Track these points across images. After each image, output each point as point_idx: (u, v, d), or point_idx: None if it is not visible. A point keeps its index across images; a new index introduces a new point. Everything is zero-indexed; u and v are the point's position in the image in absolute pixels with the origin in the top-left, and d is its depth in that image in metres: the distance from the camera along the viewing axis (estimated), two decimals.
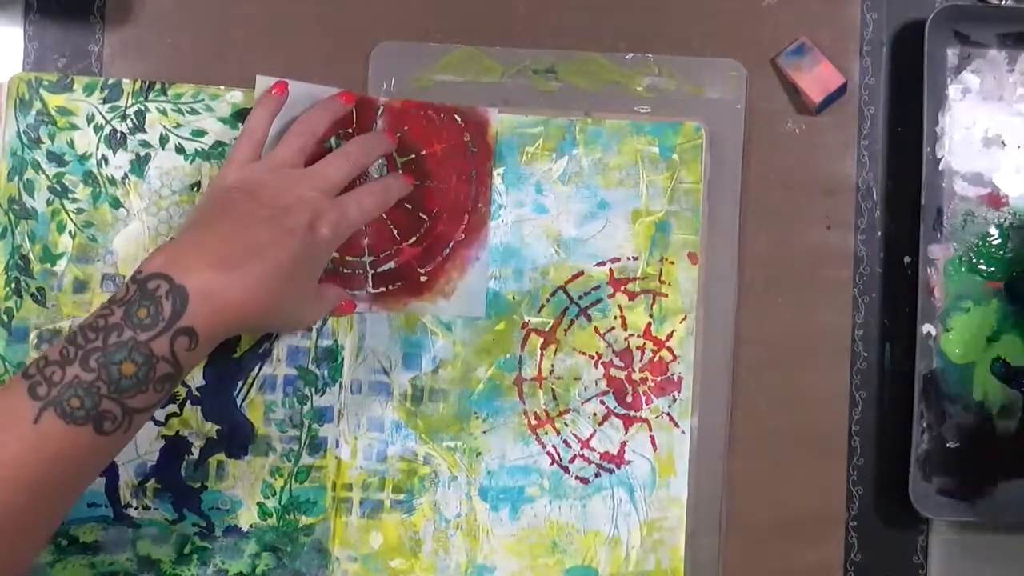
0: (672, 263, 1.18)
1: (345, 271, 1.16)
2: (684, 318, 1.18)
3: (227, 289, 0.97)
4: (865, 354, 1.21)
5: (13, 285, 1.16)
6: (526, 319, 1.18)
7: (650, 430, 1.18)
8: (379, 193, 1.11)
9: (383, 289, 1.16)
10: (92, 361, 0.93)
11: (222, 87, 1.18)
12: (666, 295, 1.18)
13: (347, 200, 1.08)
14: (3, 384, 0.99)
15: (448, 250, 1.17)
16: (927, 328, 1.19)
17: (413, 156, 1.18)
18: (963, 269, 1.20)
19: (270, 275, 1.00)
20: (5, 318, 1.16)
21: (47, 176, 1.16)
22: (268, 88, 1.13)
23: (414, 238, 1.17)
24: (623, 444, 1.18)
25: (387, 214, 1.16)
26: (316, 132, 1.11)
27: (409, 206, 1.17)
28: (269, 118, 1.11)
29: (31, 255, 1.16)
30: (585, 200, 1.18)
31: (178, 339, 0.95)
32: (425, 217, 1.17)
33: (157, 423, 1.16)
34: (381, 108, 1.17)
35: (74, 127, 1.17)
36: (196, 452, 1.16)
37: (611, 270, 1.18)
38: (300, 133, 1.10)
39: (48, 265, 1.16)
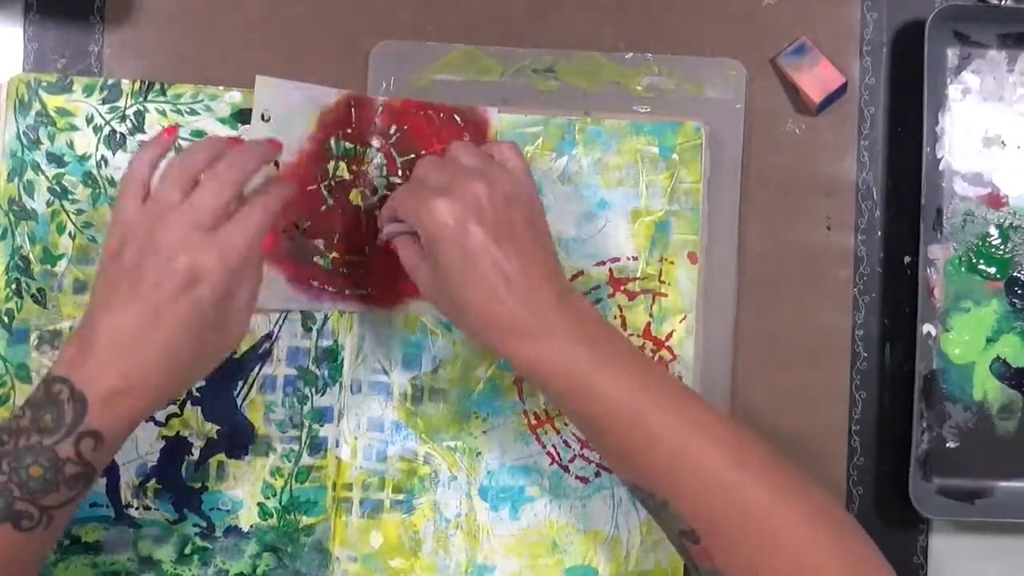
0: (672, 263, 1.18)
1: (344, 271, 1.16)
2: (684, 318, 1.18)
3: (124, 391, 0.96)
4: (865, 354, 1.21)
5: (14, 286, 1.16)
6: None
7: None
8: (259, 209, 1.02)
9: (381, 289, 1.16)
10: (3, 464, 0.94)
11: (221, 87, 1.18)
12: (666, 295, 1.18)
13: (229, 230, 1.00)
14: None
15: None
16: (927, 328, 1.19)
17: (413, 156, 1.17)
18: (963, 269, 1.20)
19: (164, 358, 0.98)
20: (6, 319, 1.16)
21: (47, 177, 1.16)
22: (155, 135, 1.11)
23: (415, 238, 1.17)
24: None
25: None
26: (196, 165, 1.03)
27: None
28: (151, 162, 1.04)
29: (31, 256, 1.16)
30: (584, 200, 1.18)
31: (83, 441, 0.95)
32: None
33: (157, 423, 1.16)
34: (380, 108, 1.17)
35: (73, 128, 1.17)
36: (196, 452, 1.16)
37: (611, 270, 1.18)
38: (178, 166, 1.02)
39: (48, 266, 1.16)
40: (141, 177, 1.02)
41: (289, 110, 1.16)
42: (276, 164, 1.15)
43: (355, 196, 1.17)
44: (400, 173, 1.17)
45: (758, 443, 0.99)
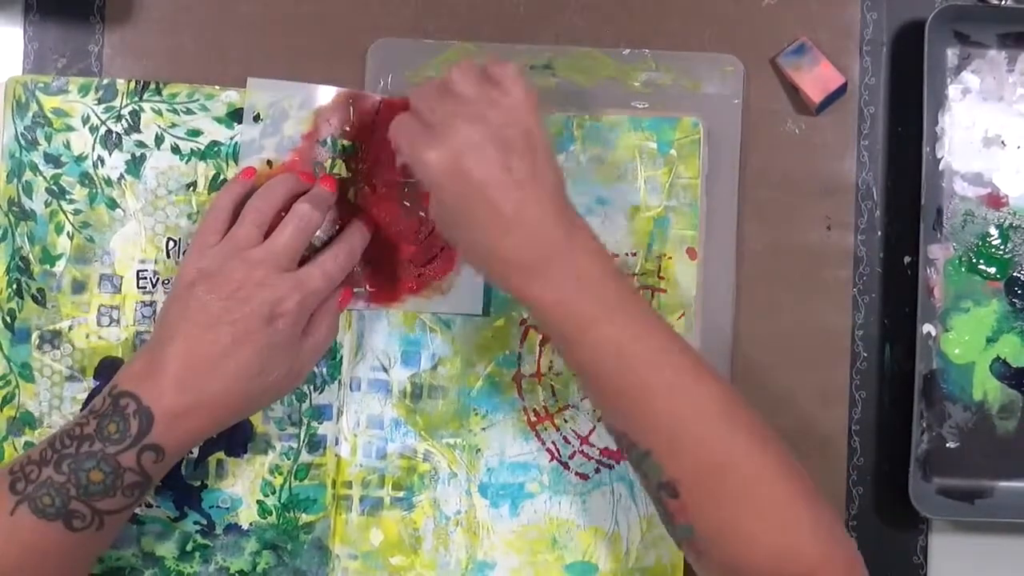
0: (670, 259, 1.18)
1: None
2: (682, 314, 1.18)
3: (191, 410, 1.02)
4: (865, 354, 1.21)
5: (15, 286, 1.16)
6: (525, 315, 1.18)
7: None
8: (343, 256, 1.11)
9: (380, 286, 1.16)
10: (64, 466, 1.00)
11: (217, 87, 1.18)
12: (664, 290, 1.18)
13: (309, 272, 1.07)
14: None
15: (445, 248, 1.17)
16: (927, 328, 1.19)
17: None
18: (963, 269, 1.20)
19: (232, 386, 1.04)
20: (8, 319, 1.16)
21: (45, 178, 1.17)
22: (236, 175, 1.15)
23: (412, 236, 1.17)
24: None
25: (385, 212, 1.16)
26: (274, 206, 1.10)
27: (408, 204, 1.17)
28: (234, 201, 1.11)
29: (31, 256, 1.16)
30: (583, 196, 1.17)
31: (144, 454, 1.01)
32: (423, 215, 1.17)
33: None
34: (378, 105, 1.18)
35: (70, 128, 1.18)
36: (195, 450, 1.16)
37: None
38: (256, 209, 1.09)
39: (47, 266, 1.17)
40: (223, 214, 1.10)
41: (282, 110, 1.16)
42: (269, 163, 1.16)
43: (352, 194, 1.17)
44: (360, 224, 1.16)
45: (749, 408, 0.99)
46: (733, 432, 0.97)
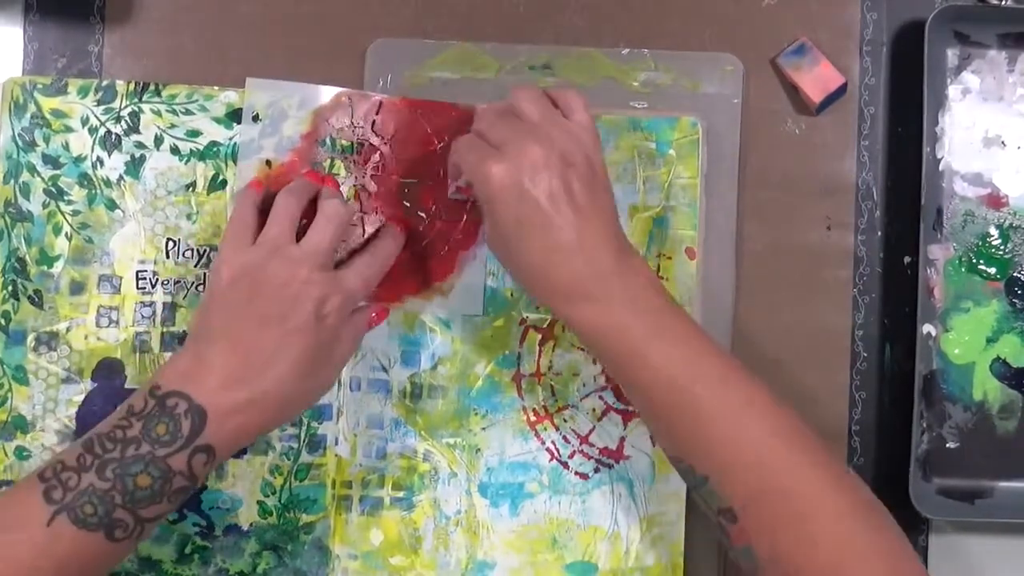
0: (669, 258, 1.18)
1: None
2: None
3: (244, 407, 1.01)
4: (865, 354, 1.21)
5: (10, 288, 1.16)
6: (524, 315, 1.18)
7: None
8: (380, 262, 1.11)
9: (381, 287, 1.16)
10: (108, 471, 0.96)
11: (216, 87, 1.18)
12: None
13: (348, 276, 1.07)
14: (17, 483, 1.02)
15: (446, 249, 1.17)
16: (927, 328, 1.19)
17: (411, 154, 1.18)
18: (963, 269, 1.20)
19: (285, 383, 1.02)
20: (3, 321, 1.16)
21: (43, 179, 1.17)
22: (246, 186, 1.14)
23: (413, 236, 1.17)
24: (622, 439, 1.18)
25: (385, 213, 1.16)
26: (302, 206, 1.09)
27: (408, 204, 1.17)
28: (255, 205, 1.10)
29: (27, 258, 1.16)
30: None
31: (196, 456, 0.99)
32: (424, 215, 1.17)
33: None
34: (378, 105, 1.17)
35: (69, 129, 1.18)
36: None
37: None
38: (286, 208, 1.08)
39: (45, 267, 1.16)
40: (248, 218, 1.08)
41: (280, 110, 1.16)
42: (268, 163, 1.16)
43: (351, 193, 1.17)
44: (394, 228, 1.16)
45: (807, 430, 0.99)
46: (793, 461, 0.97)
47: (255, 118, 1.17)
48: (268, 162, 1.16)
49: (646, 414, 1.04)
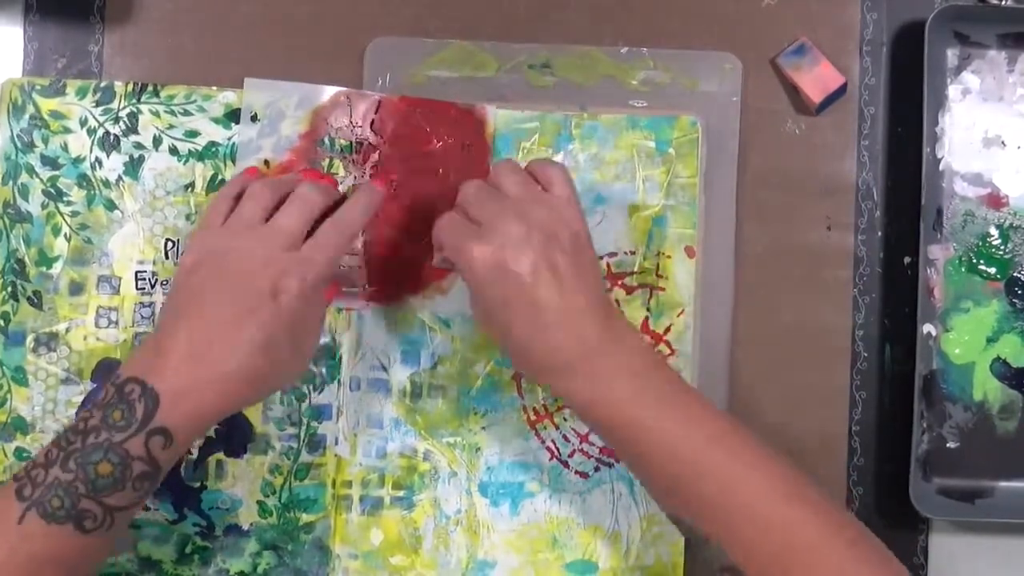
0: (669, 257, 1.18)
1: (341, 267, 1.16)
2: (681, 312, 1.18)
3: (198, 387, 0.99)
4: (865, 354, 1.21)
5: (9, 289, 1.16)
6: None
7: None
8: (342, 228, 1.07)
9: (380, 285, 1.16)
10: (71, 462, 0.96)
11: (214, 88, 1.18)
12: (663, 289, 1.18)
13: (308, 250, 1.04)
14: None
15: None
16: (927, 328, 1.19)
17: (410, 153, 1.18)
18: (963, 269, 1.20)
19: (243, 363, 1.00)
20: (2, 322, 1.16)
21: (41, 180, 1.17)
22: (243, 171, 1.14)
23: (412, 235, 1.17)
24: None
25: (385, 212, 1.16)
26: (277, 192, 1.07)
27: (407, 203, 1.17)
28: (236, 194, 1.09)
29: (27, 259, 1.16)
30: (582, 195, 1.14)
31: (152, 439, 0.97)
32: (423, 214, 1.17)
33: None
34: (377, 104, 1.18)
35: (67, 130, 1.18)
36: (195, 451, 1.16)
37: (608, 264, 1.18)
38: (258, 191, 1.07)
39: (44, 268, 1.16)
40: (225, 205, 1.07)
41: (279, 110, 1.16)
42: (266, 163, 1.16)
43: (351, 192, 1.17)
44: (369, 185, 1.15)
45: (805, 477, 0.99)
46: (796, 516, 0.97)
47: (253, 118, 1.17)
48: (266, 162, 1.16)
49: (646, 479, 1.03)
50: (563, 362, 1.00)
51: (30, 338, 1.16)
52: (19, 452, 1.15)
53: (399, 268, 1.15)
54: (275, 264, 1.02)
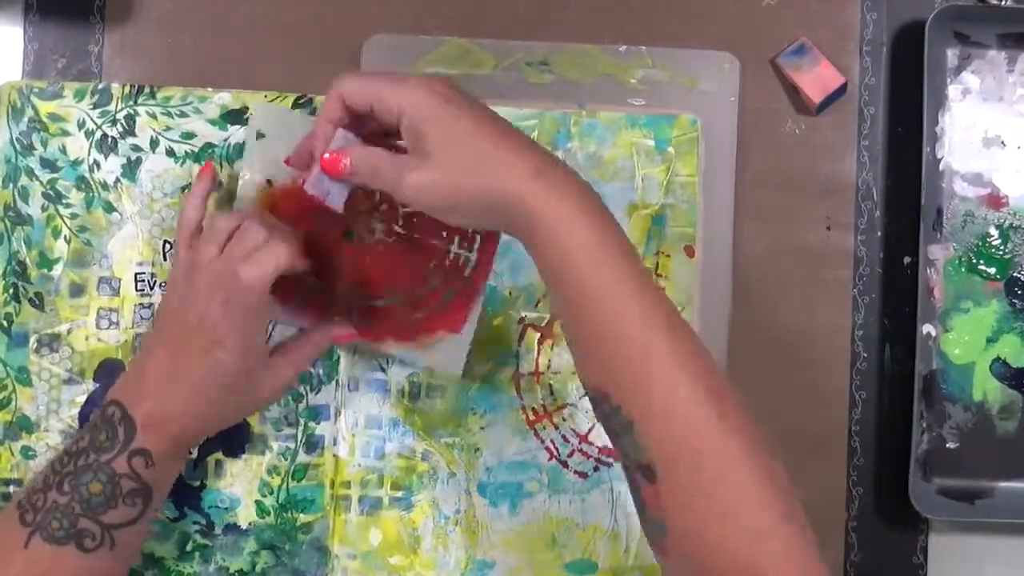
0: (668, 256, 1.18)
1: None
2: (681, 311, 1.17)
3: (166, 420, 1.02)
4: (865, 354, 1.21)
5: (11, 291, 1.16)
6: (523, 314, 1.18)
7: None
8: (271, 250, 1.03)
9: (365, 327, 1.13)
10: (66, 484, 1.00)
11: (210, 89, 1.18)
12: (663, 288, 1.17)
13: (244, 270, 1.02)
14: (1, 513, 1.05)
15: (444, 309, 1.12)
16: (927, 328, 1.19)
17: None
18: (963, 269, 1.20)
19: (190, 399, 1.04)
20: (5, 323, 1.16)
21: (41, 182, 1.17)
22: (199, 171, 1.14)
23: (407, 284, 1.13)
24: None
25: (382, 257, 1.12)
26: (229, 227, 1.05)
27: (406, 253, 1.12)
28: (197, 205, 1.09)
29: (28, 261, 1.16)
30: None
31: (134, 458, 1.01)
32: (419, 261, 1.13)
33: None
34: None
35: (66, 133, 1.18)
36: (194, 451, 1.16)
37: None
38: (212, 224, 1.06)
39: (45, 270, 1.17)
40: (190, 224, 1.09)
41: (284, 130, 1.15)
42: (269, 182, 1.14)
43: (352, 235, 1.13)
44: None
45: (745, 408, 0.90)
46: (721, 420, 0.88)
47: (258, 135, 1.15)
48: (269, 181, 1.15)
49: (572, 330, 0.93)
50: (529, 167, 0.92)
51: (33, 339, 1.16)
52: (25, 451, 1.16)
53: (389, 315, 1.12)
54: (214, 313, 1.03)
